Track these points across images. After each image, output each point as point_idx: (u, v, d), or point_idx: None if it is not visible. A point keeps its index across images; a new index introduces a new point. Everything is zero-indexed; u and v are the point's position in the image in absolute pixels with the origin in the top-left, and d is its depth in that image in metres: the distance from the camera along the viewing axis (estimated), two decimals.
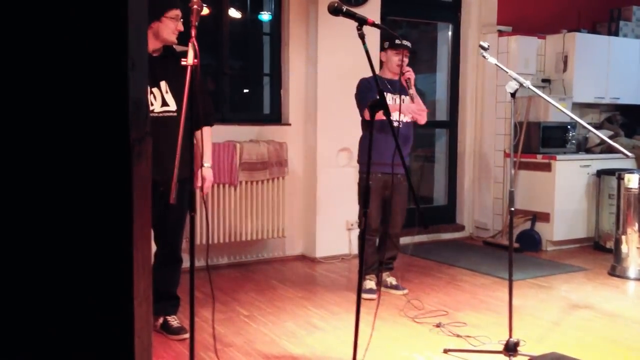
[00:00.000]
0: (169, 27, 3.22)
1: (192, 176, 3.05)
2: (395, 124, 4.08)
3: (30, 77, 0.91)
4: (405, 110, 4.15)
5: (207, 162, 3.45)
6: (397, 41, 4.16)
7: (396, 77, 4.19)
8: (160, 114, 3.27)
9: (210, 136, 3.53)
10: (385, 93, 4.12)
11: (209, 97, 3.69)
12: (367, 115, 4.11)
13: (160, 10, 3.19)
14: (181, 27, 3.26)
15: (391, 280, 4.46)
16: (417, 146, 7.08)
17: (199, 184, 3.33)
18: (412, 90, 4.04)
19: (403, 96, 4.16)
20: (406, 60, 4.19)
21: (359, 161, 4.38)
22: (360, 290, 2.53)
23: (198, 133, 3.23)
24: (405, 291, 4.36)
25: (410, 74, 4.06)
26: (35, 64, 0.91)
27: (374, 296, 4.11)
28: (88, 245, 0.93)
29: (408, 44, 4.18)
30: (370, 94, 4.07)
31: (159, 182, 3.02)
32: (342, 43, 5.12)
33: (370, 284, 4.35)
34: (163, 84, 3.29)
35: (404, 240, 5.99)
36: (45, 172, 0.92)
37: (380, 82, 4.17)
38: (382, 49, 4.34)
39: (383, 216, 4.34)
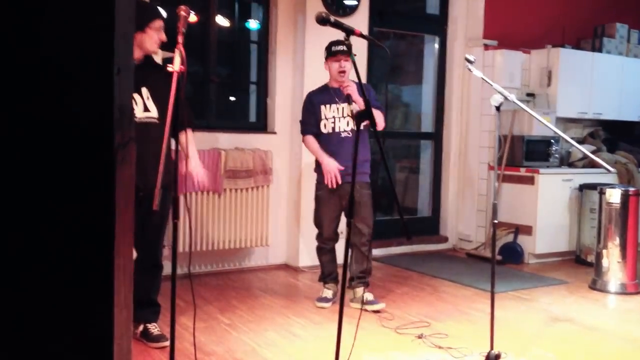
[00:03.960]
0: (152, 38, 3.22)
1: (174, 183, 3.04)
2: (344, 134, 4.17)
3: (15, 80, 0.91)
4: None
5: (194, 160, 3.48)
6: (333, 48, 4.05)
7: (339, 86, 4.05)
8: (142, 120, 3.26)
9: (193, 138, 3.53)
10: (329, 105, 4.17)
11: (188, 105, 3.67)
12: (306, 142, 4.19)
13: (144, 22, 3.18)
14: (164, 38, 3.26)
15: (367, 296, 4.21)
16: (403, 157, 7.12)
17: (195, 178, 3.37)
18: (353, 106, 3.88)
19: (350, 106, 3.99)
20: (347, 64, 4.01)
21: (315, 170, 4.28)
22: (342, 301, 2.52)
23: (182, 137, 3.24)
24: (382, 305, 4.17)
25: (349, 89, 3.89)
26: (21, 67, 0.91)
27: (328, 305, 4.23)
28: (69, 250, 0.92)
29: (343, 47, 3.96)
30: (312, 117, 4.15)
31: (139, 188, 3.01)
32: None
33: (327, 292, 4.37)
34: (144, 90, 3.29)
35: (387, 251, 6.05)
36: (29, 176, 0.91)
37: (325, 92, 4.23)
38: (325, 59, 4.17)
39: (348, 227, 4.23)
